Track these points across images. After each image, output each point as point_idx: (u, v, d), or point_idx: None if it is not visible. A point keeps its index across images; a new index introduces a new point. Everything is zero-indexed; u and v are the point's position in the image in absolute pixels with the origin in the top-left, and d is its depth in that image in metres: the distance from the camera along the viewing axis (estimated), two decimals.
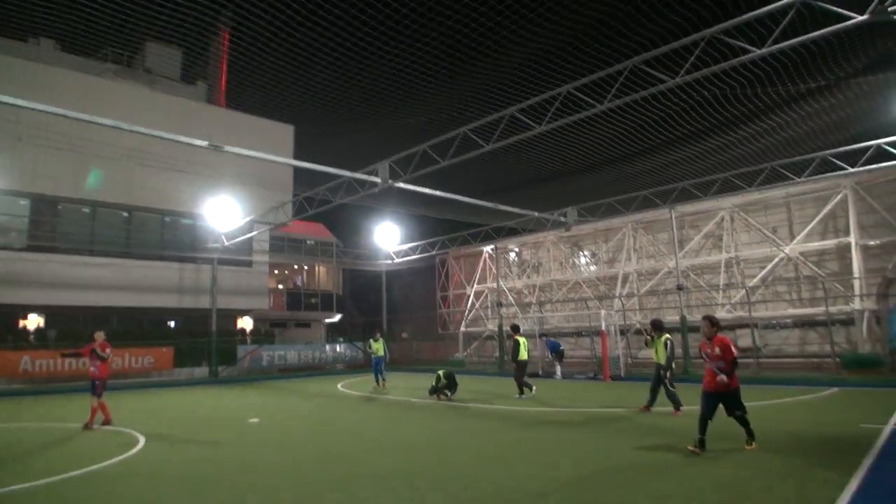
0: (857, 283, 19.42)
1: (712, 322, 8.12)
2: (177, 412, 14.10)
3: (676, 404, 11.24)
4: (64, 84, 22.19)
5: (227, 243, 24.62)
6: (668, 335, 11.57)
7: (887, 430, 8.77)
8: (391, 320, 32.02)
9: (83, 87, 22.86)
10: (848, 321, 19.77)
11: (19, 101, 12.78)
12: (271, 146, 23.76)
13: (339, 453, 8.41)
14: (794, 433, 8.95)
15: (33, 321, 23.18)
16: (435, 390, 14.69)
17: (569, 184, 24.72)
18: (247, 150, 16.25)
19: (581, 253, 28.79)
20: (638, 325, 24.67)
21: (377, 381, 18.56)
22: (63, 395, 18.00)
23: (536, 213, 23.06)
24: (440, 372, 15.00)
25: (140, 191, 24.09)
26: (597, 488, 6.19)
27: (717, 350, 7.80)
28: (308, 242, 35.50)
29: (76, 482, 6.94)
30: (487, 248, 31.15)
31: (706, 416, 7.79)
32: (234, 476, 7.09)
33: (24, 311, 22.92)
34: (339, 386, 20.08)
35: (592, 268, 27.92)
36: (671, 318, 22.71)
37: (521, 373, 14.88)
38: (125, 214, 24.95)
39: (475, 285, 32.51)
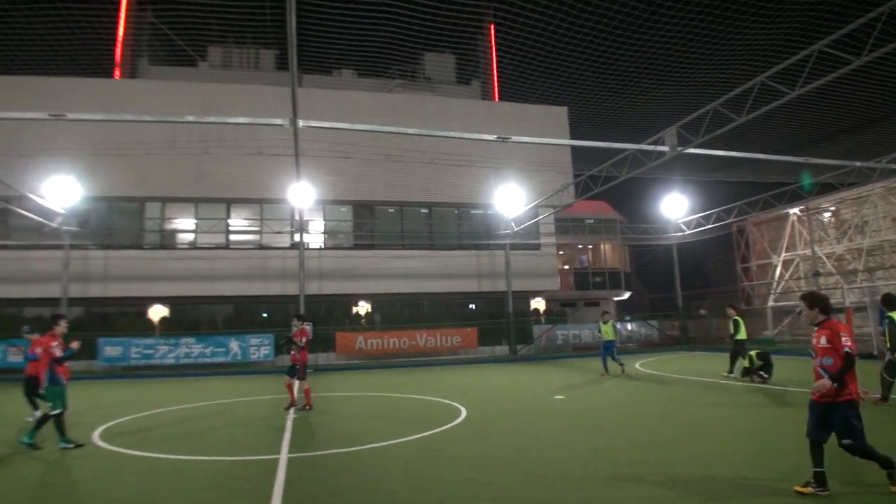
0: None
1: (812, 302, 5.57)
2: (488, 387, 15.22)
3: (885, 393, 9.79)
4: (363, 104, 25.65)
5: (516, 229, 25.81)
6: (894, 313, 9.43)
7: None
8: (685, 296, 30.28)
9: (379, 103, 26.18)
10: None
11: (341, 125, 15.04)
12: (547, 130, 24.32)
13: (651, 436, 8.21)
14: None
15: (363, 307, 27.18)
16: (748, 371, 13.51)
17: None
18: (529, 138, 16.85)
19: None
20: None
21: (605, 367, 16.97)
22: (399, 370, 20.78)
23: (858, 163, 19.65)
24: (752, 352, 13.74)
25: (436, 188, 26.62)
26: None
27: (822, 341, 5.38)
28: (588, 221, 35.48)
29: (421, 442, 7.96)
30: (795, 210, 27.52)
31: (813, 437, 5.37)
32: (551, 450, 7.39)
33: (356, 299, 26.99)
34: (636, 365, 19.66)
35: None
36: None
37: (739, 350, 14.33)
38: (424, 211, 27.80)
39: (783, 253, 29.03)
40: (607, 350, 17.05)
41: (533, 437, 8.27)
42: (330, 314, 25.53)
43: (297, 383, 11.59)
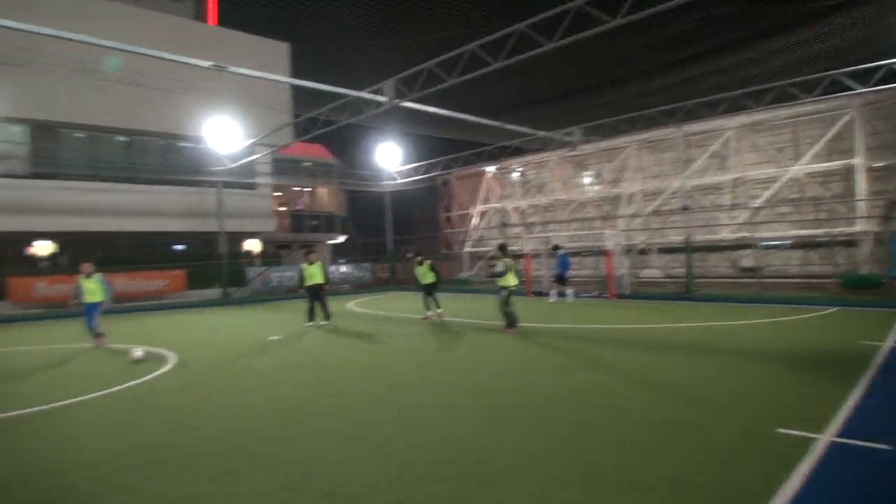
0: (860, 205, 19.53)
1: None
2: (199, 331, 14.55)
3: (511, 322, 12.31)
4: (47, 1, 21.39)
5: (230, 166, 24.50)
6: (508, 259, 12.39)
7: (886, 347, 9.12)
8: (395, 241, 32.31)
9: (69, 3, 22.08)
10: (850, 242, 20.01)
11: (14, 24, 12.44)
12: (266, 65, 23.16)
13: (360, 367, 8.78)
14: (797, 349, 9.32)
15: (44, 248, 23.36)
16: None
17: (575, 103, 24.33)
18: (250, 70, 15.97)
19: (585, 173, 28.68)
20: (642, 245, 24.96)
21: (93, 334, 12.22)
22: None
23: (542, 133, 22.86)
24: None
25: (139, 114, 23.74)
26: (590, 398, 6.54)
27: None
28: (305, 164, 35.33)
29: (125, 394, 7.32)
30: (490, 168, 31.01)
31: None
32: (269, 388, 7.46)
33: (33, 238, 23.06)
34: (347, 305, 20.53)
35: (596, 187, 27.88)
36: (676, 237, 22.99)
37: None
38: (123, 139, 24.72)
39: (479, 205, 32.59)
40: (90, 314, 12.22)
41: (250, 378, 8.23)
42: None
43: None
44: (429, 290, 15.14)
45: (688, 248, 20.47)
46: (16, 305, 20.07)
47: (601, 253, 22.44)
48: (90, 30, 16.87)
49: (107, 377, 8.51)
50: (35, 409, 6.75)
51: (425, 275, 15.14)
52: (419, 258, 15.55)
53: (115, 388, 7.72)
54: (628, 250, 24.06)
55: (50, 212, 21.88)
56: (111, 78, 22.13)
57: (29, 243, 23.09)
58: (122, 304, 21.47)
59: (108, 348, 11.60)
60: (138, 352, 10.03)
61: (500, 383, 7.42)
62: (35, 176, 22.25)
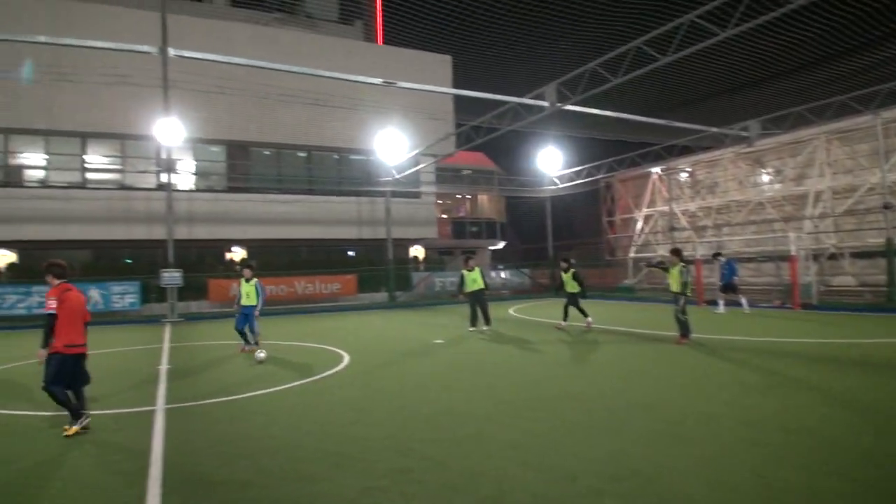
0: None
1: (48, 270, 6.20)
2: (369, 332, 15.41)
3: (685, 332, 11.49)
4: (240, 36, 24.04)
5: (397, 176, 25.74)
6: (683, 264, 11.87)
7: None
8: (555, 247, 31.95)
9: (256, 36, 24.65)
10: None
11: (217, 57, 14.06)
12: (430, 78, 24.12)
13: (528, 374, 8.75)
14: None
15: (238, 253, 26.16)
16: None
17: (751, 95, 22.58)
18: (416, 84, 16.67)
19: (763, 170, 26.35)
20: (832, 249, 22.41)
21: (245, 340, 12.15)
22: (277, 317, 20.31)
23: (714, 129, 21.42)
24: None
25: (316, 131, 25.79)
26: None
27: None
28: (466, 172, 36.13)
29: (305, 388, 7.92)
30: (656, 170, 29.58)
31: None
32: (435, 391, 7.70)
33: (230, 244, 25.90)
34: (509, 311, 20.62)
35: (777, 186, 25.49)
36: (874, 240, 20.35)
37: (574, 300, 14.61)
38: (303, 154, 26.98)
39: (644, 209, 31.22)
40: (246, 317, 12.17)
41: (416, 379, 8.55)
42: (202, 260, 24.33)
43: None
44: (573, 298, 14.74)
45: (890, 252, 18.04)
46: (213, 304, 22.64)
47: (783, 258, 20.49)
48: (275, 58, 18.69)
49: (292, 372, 9.26)
50: (227, 398, 7.53)
51: (569, 283, 14.81)
52: (564, 265, 15.19)
53: (297, 383, 8.39)
54: (816, 255, 21.70)
55: (242, 221, 24.54)
56: (291, 101, 24.29)
57: (227, 249, 25.97)
58: (302, 305, 23.42)
59: (266, 346, 12.62)
60: (261, 354, 10.69)
61: (672, 398, 7.01)
62: (230, 190, 25.06)
